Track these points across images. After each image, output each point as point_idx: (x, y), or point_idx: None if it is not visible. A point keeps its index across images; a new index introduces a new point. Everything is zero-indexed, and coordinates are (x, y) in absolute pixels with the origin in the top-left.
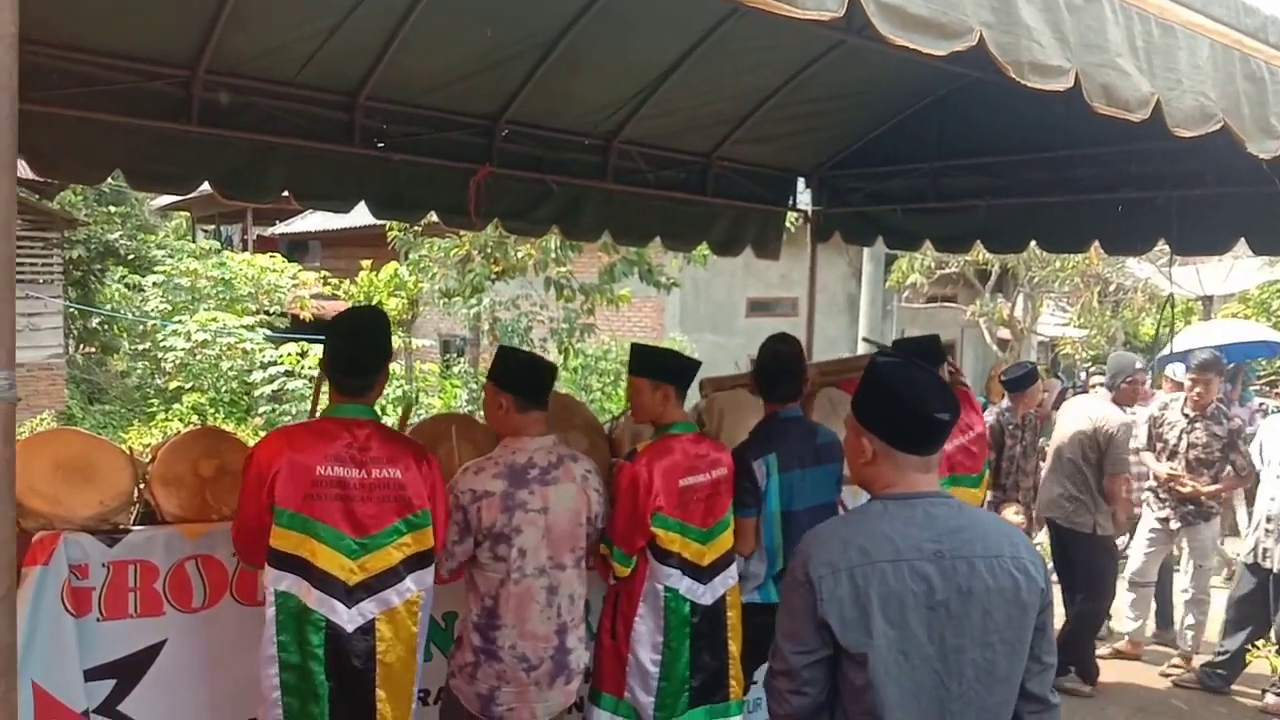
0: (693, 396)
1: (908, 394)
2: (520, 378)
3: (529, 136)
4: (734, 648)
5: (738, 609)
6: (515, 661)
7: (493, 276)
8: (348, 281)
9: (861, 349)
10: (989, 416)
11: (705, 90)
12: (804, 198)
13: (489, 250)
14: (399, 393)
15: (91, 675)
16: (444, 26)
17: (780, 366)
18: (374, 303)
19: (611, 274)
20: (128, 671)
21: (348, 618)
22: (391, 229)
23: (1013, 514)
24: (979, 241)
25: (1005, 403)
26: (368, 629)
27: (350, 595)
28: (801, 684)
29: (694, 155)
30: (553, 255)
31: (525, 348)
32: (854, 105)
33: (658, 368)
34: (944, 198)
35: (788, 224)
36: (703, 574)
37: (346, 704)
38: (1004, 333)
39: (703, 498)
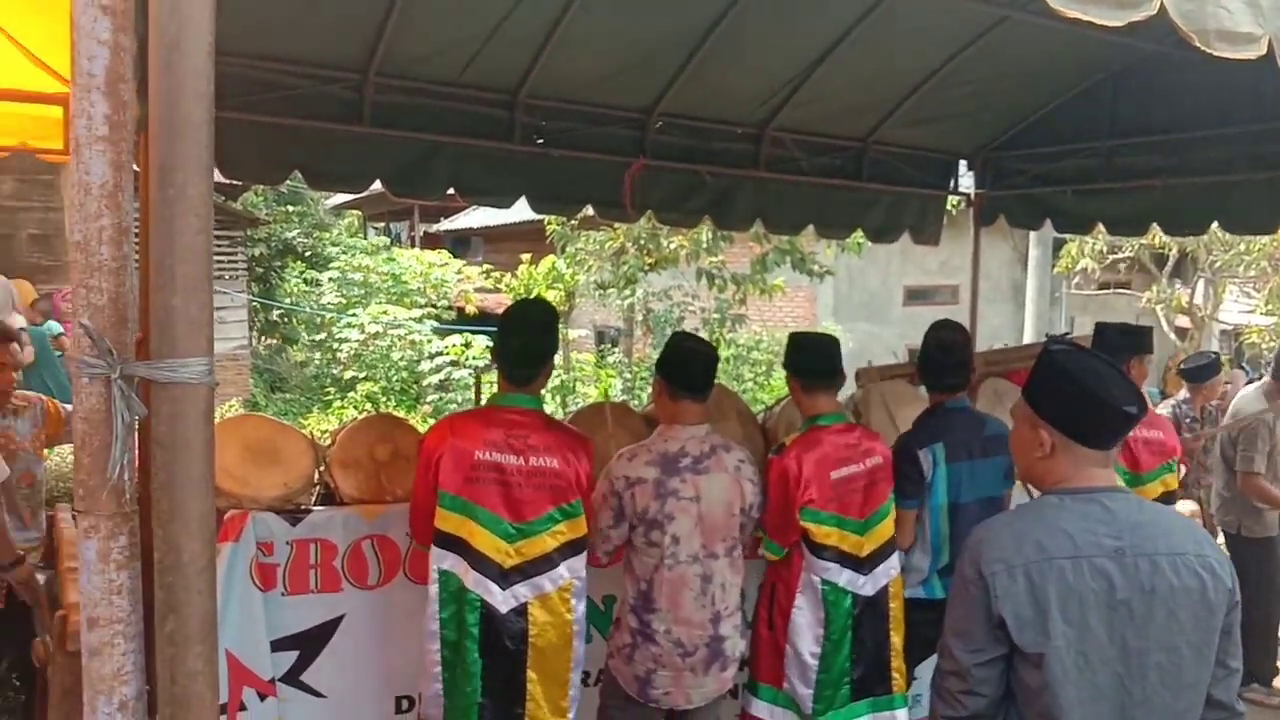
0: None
1: (1094, 385)
2: (673, 364)
3: (682, 127)
4: (896, 640)
5: (900, 600)
6: (671, 646)
7: (646, 268)
8: (508, 275)
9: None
10: (1164, 409)
11: (860, 74)
12: (966, 180)
13: (642, 242)
14: (557, 382)
15: (277, 646)
16: (600, 22)
17: (947, 355)
18: (533, 295)
19: (764, 263)
20: (310, 643)
21: (502, 599)
22: (549, 223)
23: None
24: (1155, 224)
25: (1183, 394)
26: (521, 611)
27: (505, 578)
28: (974, 684)
29: (849, 140)
30: (704, 246)
31: None
32: (1019, 83)
33: (802, 358)
34: (1118, 177)
35: (948, 208)
36: (863, 565)
37: (498, 683)
38: (1182, 321)
39: (859, 488)
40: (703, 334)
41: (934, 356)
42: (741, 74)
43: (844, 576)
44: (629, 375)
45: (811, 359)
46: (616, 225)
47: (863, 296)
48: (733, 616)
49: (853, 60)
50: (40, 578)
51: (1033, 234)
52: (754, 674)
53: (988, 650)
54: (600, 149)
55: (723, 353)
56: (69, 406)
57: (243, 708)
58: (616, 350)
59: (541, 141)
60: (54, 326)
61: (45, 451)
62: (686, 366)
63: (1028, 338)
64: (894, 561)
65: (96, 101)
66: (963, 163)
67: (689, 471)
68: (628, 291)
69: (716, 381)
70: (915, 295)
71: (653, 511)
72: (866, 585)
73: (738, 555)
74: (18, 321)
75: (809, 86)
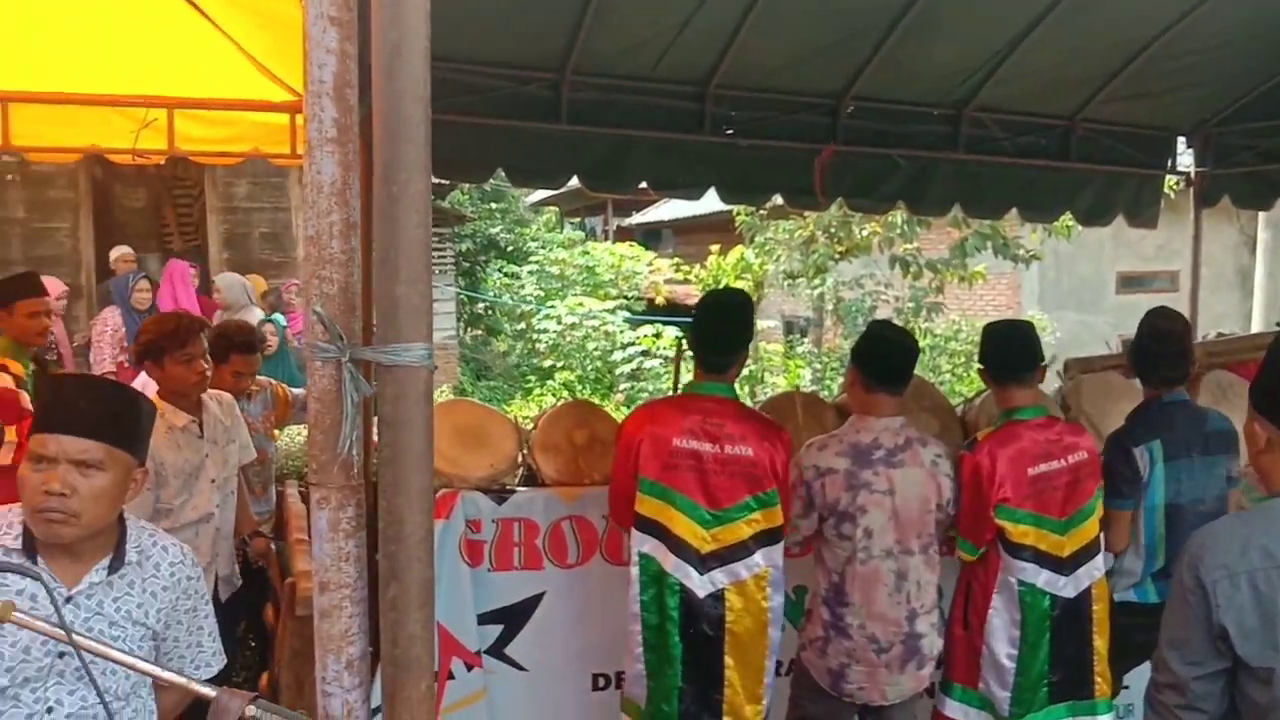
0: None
1: None
2: (870, 355)
3: (874, 111)
4: (1100, 643)
5: (1105, 602)
6: (865, 641)
7: (836, 256)
8: (697, 266)
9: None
10: None
11: (1068, 48)
12: (1185, 158)
13: (833, 230)
14: (745, 372)
15: (483, 620)
16: (791, 6)
17: (1163, 345)
18: (721, 285)
19: (963, 249)
20: (513, 618)
21: (699, 584)
22: (738, 214)
23: None
24: None
25: None
26: (718, 597)
27: (703, 563)
28: (1193, 699)
29: (1055, 118)
30: (899, 231)
31: None
32: (1244, 52)
33: (994, 350)
34: None
35: (1166, 189)
36: (1063, 565)
37: (697, 667)
38: None
39: (1060, 486)
40: (897, 323)
41: (1149, 347)
42: (938, 53)
43: (1042, 577)
44: (818, 366)
45: (1003, 349)
46: (806, 214)
47: (1072, 283)
48: (930, 614)
49: (1059, 33)
50: (272, 548)
51: (1262, 215)
52: (948, 673)
53: (1208, 663)
54: (790, 137)
55: (919, 343)
56: (296, 391)
57: (451, 676)
58: (805, 340)
59: (731, 132)
60: (280, 319)
61: (275, 432)
62: (884, 358)
63: (1255, 327)
64: (1098, 562)
65: (326, 106)
66: (1181, 140)
67: (882, 464)
68: (817, 281)
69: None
70: (1130, 282)
71: (844, 503)
72: (1067, 587)
73: (934, 552)
74: (255, 315)
75: (1011, 63)
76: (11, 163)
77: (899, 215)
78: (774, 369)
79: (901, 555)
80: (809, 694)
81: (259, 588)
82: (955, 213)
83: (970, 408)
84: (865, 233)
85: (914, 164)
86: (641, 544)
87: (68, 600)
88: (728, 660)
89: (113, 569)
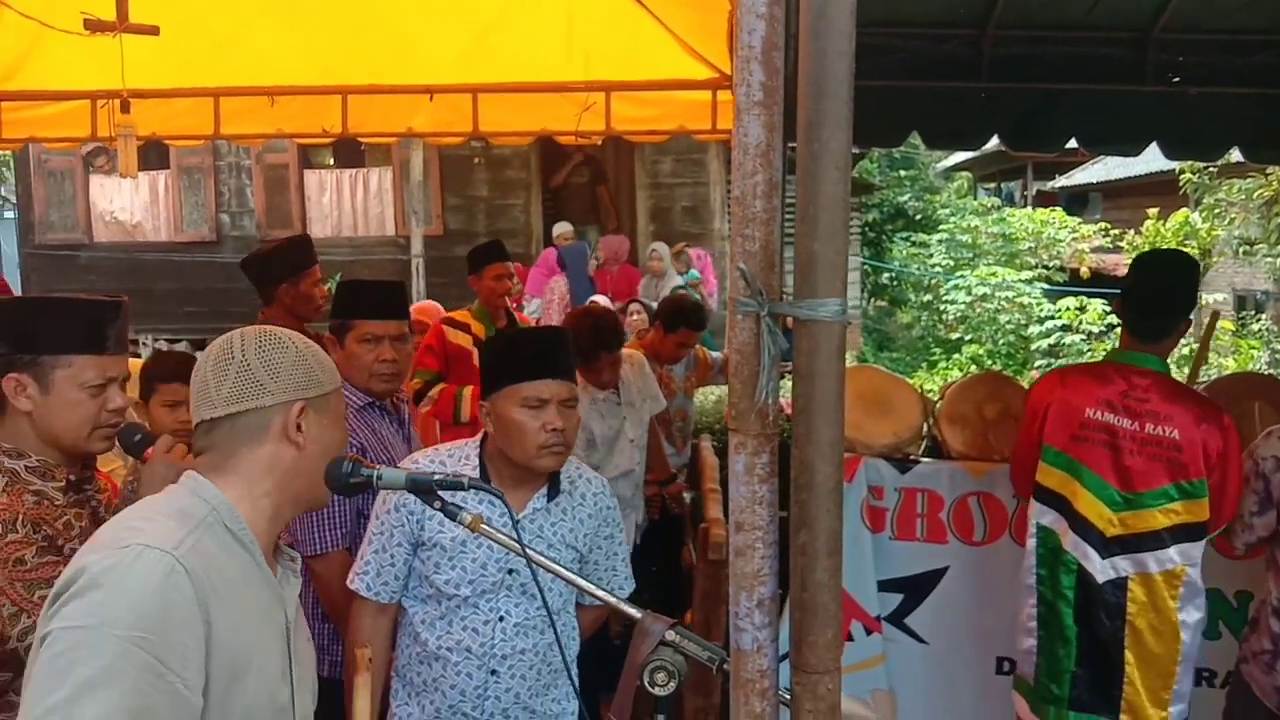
0: None
1: None
2: None
3: None
4: None
5: None
6: None
7: None
8: (1130, 233)
9: None
10: None
11: None
12: None
13: None
14: (1185, 350)
15: (883, 587)
16: None
17: None
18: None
19: None
20: (914, 589)
21: (1100, 568)
22: (1183, 172)
23: None
24: None
25: None
26: (1120, 585)
27: (1105, 546)
28: None
29: None
30: None
31: None
32: None
33: None
34: None
35: None
36: None
37: (1094, 655)
38: None
39: None
40: None
41: None
42: None
43: None
44: (1277, 346)
45: None
46: (1269, 171)
47: None
48: None
49: None
50: (686, 496)
51: None
52: None
53: None
54: (1250, 82)
55: None
56: (714, 354)
57: (850, 638)
58: (1263, 317)
59: (1177, 80)
60: (694, 274)
61: (695, 392)
62: None
63: None
64: None
65: (754, 70)
66: None
67: None
68: None
69: None
70: None
71: None
72: None
73: None
74: (675, 278)
75: None
76: (477, 147)
77: None
78: (1222, 349)
79: None
80: (1248, 711)
81: (672, 532)
82: None
83: None
84: None
85: None
86: (1041, 516)
87: (515, 524)
88: (1128, 656)
89: (550, 497)
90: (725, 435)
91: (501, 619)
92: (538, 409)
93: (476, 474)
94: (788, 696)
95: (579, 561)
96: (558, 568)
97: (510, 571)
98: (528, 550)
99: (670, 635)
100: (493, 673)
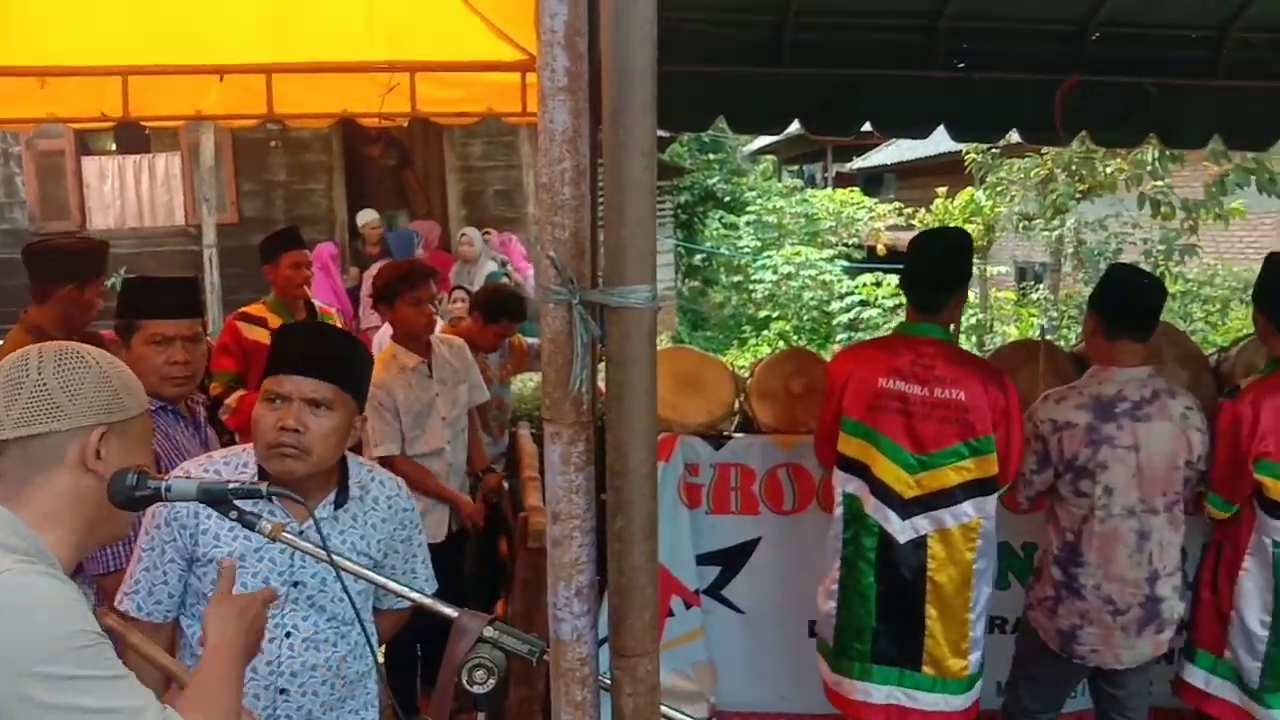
0: None
1: None
2: (1111, 300)
3: (1123, 37)
4: None
5: None
6: (1100, 603)
7: (1077, 196)
8: (922, 211)
9: None
10: None
11: None
12: None
13: (1074, 168)
14: (973, 320)
15: (702, 560)
16: None
17: None
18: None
19: (1221, 186)
20: (730, 561)
21: (900, 529)
22: (968, 153)
23: None
24: None
25: None
26: (920, 543)
27: (904, 508)
28: None
29: None
30: (1149, 168)
31: None
32: None
33: (1264, 289)
34: None
35: None
36: None
37: (894, 611)
38: None
39: None
40: (1144, 267)
41: None
42: None
43: None
44: (1055, 314)
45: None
46: (1044, 151)
47: None
48: (1172, 577)
49: None
50: (505, 485)
51: None
52: (1192, 639)
53: None
54: (1028, 68)
55: (1169, 288)
56: (531, 340)
57: (671, 614)
58: (1041, 287)
59: (963, 66)
60: (497, 272)
61: (511, 379)
62: (1127, 302)
63: None
64: None
65: (558, 56)
66: None
67: (1127, 418)
68: (1056, 223)
69: (1161, 319)
70: None
71: (1083, 459)
72: None
73: (1178, 511)
74: (489, 266)
75: None
76: (274, 130)
77: (1149, 150)
78: (1005, 317)
79: (1144, 514)
80: (1036, 654)
81: (491, 522)
82: (1214, 145)
83: (1225, 358)
84: (1110, 170)
85: (1168, 93)
86: (845, 484)
87: (298, 535)
88: (929, 610)
89: (338, 504)
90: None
91: (288, 635)
92: (276, 405)
93: (255, 480)
94: (608, 681)
95: (373, 568)
96: (367, 572)
97: (295, 584)
98: (336, 556)
99: (488, 631)
100: (281, 691)
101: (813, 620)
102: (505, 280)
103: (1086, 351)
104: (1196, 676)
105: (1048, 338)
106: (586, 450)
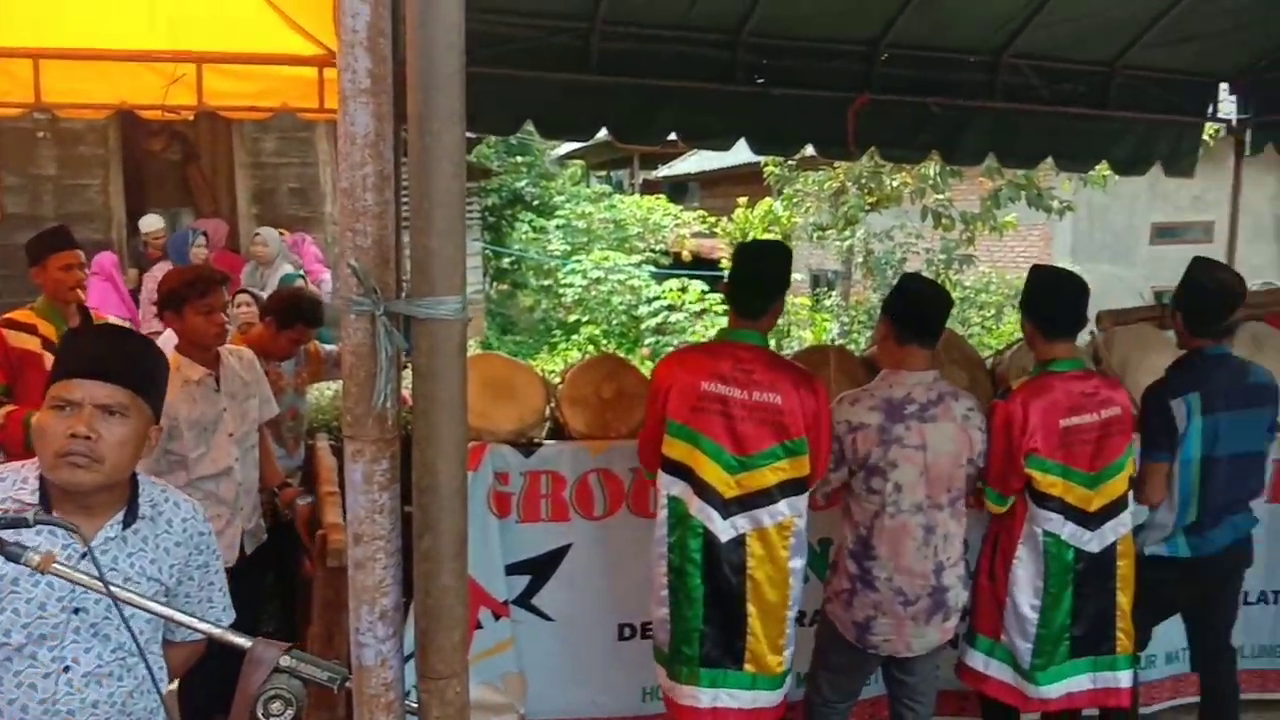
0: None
1: None
2: (903, 308)
3: (910, 59)
4: (1124, 599)
5: (1130, 558)
6: (891, 594)
7: (867, 208)
8: (724, 219)
9: None
10: None
11: None
12: (1227, 106)
13: (863, 181)
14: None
15: (511, 570)
16: None
17: (1222, 299)
18: (749, 239)
19: (995, 200)
20: (540, 569)
21: (722, 528)
22: (767, 165)
23: None
24: None
25: None
26: (740, 541)
27: (726, 507)
28: None
29: (1094, 65)
30: (931, 182)
31: None
32: None
33: (1039, 296)
34: None
35: (1205, 137)
36: (1090, 520)
37: (719, 612)
38: None
39: (1090, 440)
40: (928, 275)
41: (1207, 299)
42: None
43: (1067, 529)
44: (846, 319)
45: (1058, 303)
46: (836, 165)
47: (1105, 235)
48: (956, 567)
49: None
50: (301, 502)
51: None
52: (973, 624)
53: None
54: (823, 85)
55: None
56: (328, 347)
57: (479, 626)
58: (833, 294)
59: (762, 81)
60: (292, 274)
61: (307, 388)
62: (917, 310)
63: None
64: (1125, 519)
65: (360, 57)
66: (1224, 86)
67: (915, 419)
68: (847, 233)
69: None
70: (1164, 233)
71: (875, 458)
72: (1092, 541)
73: (961, 506)
74: (285, 268)
75: (1051, 8)
76: (42, 120)
77: (931, 166)
78: (801, 322)
79: (930, 509)
80: (833, 646)
81: (287, 541)
82: (989, 162)
83: (1000, 360)
84: (896, 184)
85: (949, 113)
86: (670, 486)
87: (83, 556)
88: (750, 608)
89: (127, 523)
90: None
91: (67, 669)
92: (65, 412)
93: (35, 499)
94: (415, 705)
95: (165, 595)
96: (150, 603)
97: (77, 611)
98: (112, 588)
99: (285, 660)
100: None
101: (622, 623)
102: (301, 283)
103: (878, 356)
104: (976, 659)
105: (839, 342)
106: (391, 468)
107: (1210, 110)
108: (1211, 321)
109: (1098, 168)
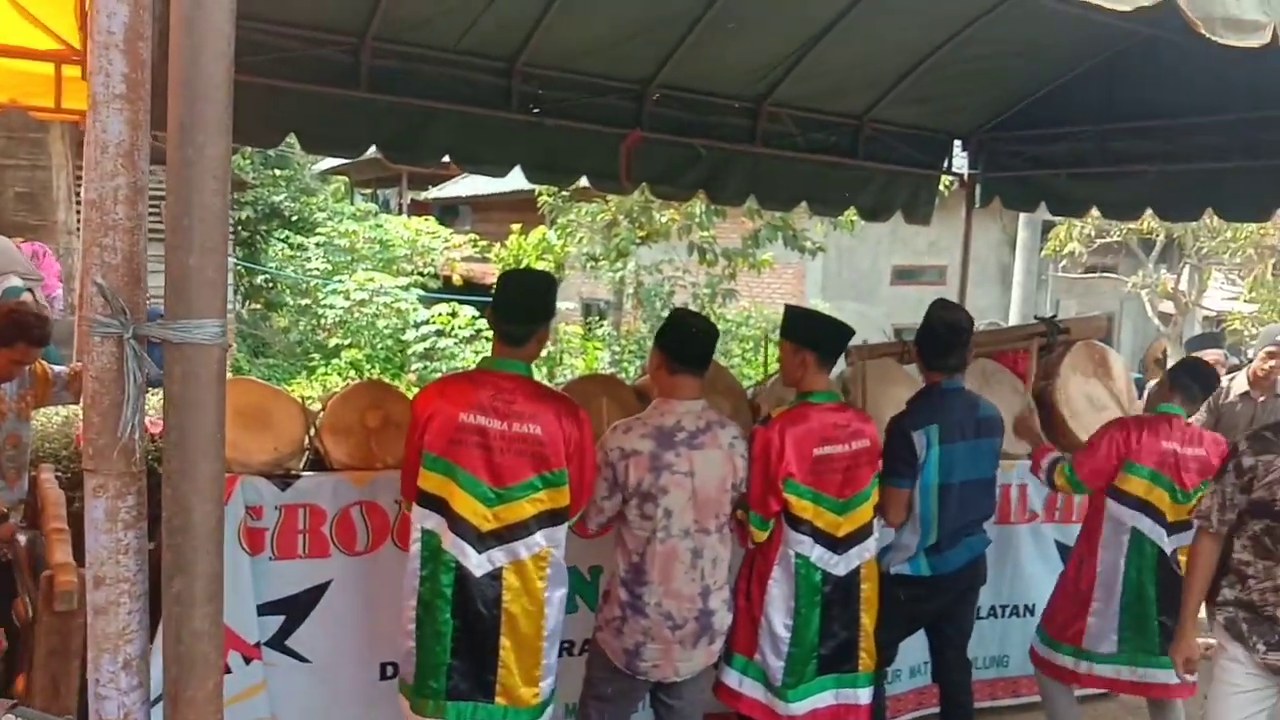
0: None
1: None
2: (676, 338)
3: (679, 100)
4: (866, 620)
5: (873, 581)
6: (660, 619)
7: (637, 241)
8: (497, 245)
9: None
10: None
11: (861, 50)
12: (959, 161)
13: (634, 215)
14: (543, 353)
15: (264, 610)
16: None
17: (955, 336)
18: (522, 266)
19: (755, 239)
20: (296, 608)
21: (476, 562)
22: (541, 194)
23: None
24: (1150, 209)
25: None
26: (495, 576)
27: (481, 541)
28: None
29: (846, 117)
30: (697, 220)
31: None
32: (1018, 64)
33: (803, 332)
34: (1112, 162)
35: (940, 189)
36: (838, 544)
37: (469, 646)
38: (1166, 306)
39: (840, 468)
40: (693, 308)
41: (942, 337)
42: (741, 47)
43: (815, 552)
44: (617, 348)
45: (829, 335)
46: (608, 197)
47: (851, 275)
48: (721, 590)
49: (853, 36)
50: (21, 538)
51: (1022, 216)
52: (730, 643)
53: None
54: (597, 120)
55: None
56: (58, 368)
57: (228, 670)
58: (604, 323)
59: (538, 111)
60: (18, 287)
61: (32, 413)
62: (689, 341)
63: (1013, 320)
64: (870, 545)
65: (115, 60)
66: (957, 143)
67: (684, 446)
68: (619, 264)
69: None
70: (903, 275)
71: (646, 484)
72: (839, 565)
73: (727, 531)
74: (13, 280)
75: (808, 62)
76: None
77: (698, 204)
78: (573, 351)
79: (698, 534)
80: (603, 674)
81: (5, 581)
82: (750, 203)
83: (760, 390)
84: (665, 219)
85: (715, 154)
86: (424, 520)
87: None
88: (504, 641)
89: None
90: (73, 463)
91: None
92: None
93: None
94: None
95: None
96: None
97: None
98: None
99: (8, 718)
100: None
101: (384, 662)
102: (28, 297)
103: (650, 384)
104: (731, 678)
105: (610, 371)
106: (138, 504)
107: (945, 164)
108: (949, 357)
109: (846, 212)
